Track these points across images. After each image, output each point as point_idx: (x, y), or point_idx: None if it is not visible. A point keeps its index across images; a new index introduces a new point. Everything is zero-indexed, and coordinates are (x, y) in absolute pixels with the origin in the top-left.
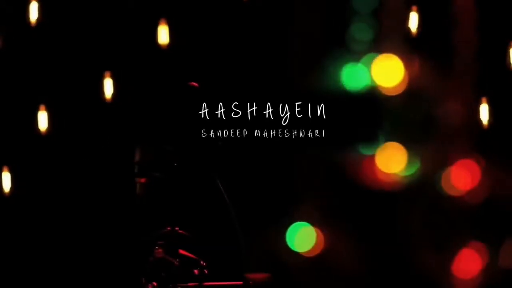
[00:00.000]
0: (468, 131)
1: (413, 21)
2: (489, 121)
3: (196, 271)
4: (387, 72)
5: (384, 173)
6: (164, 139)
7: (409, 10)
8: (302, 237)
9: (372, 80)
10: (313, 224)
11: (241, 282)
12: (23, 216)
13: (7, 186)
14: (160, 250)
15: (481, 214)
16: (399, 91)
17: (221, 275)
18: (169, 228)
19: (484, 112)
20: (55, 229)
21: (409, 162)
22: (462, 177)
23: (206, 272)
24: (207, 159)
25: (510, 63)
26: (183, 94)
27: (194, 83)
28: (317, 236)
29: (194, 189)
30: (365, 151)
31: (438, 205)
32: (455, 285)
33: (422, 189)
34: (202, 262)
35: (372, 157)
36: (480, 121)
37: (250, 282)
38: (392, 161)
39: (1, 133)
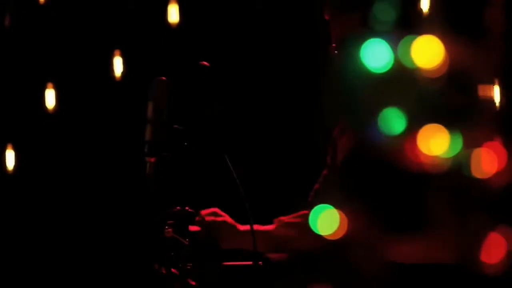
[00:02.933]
0: (496, 113)
1: (424, 1)
2: (501, 102)
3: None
4: (427, 53)
5: (424, 155)
6: (174, 118)
7: None
8: (325, 220)
9: (412, 62)
10: (336, 206)
11: (250, 262)
12: (27, 194)
13: (10, 163)
14: (170, 229)
15: (507, 198)
16: (439, 73)
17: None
18: (178, 208)
19: (496, 94)
20: (59, 208)
21: (451, 144)
22: (489, 160)
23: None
24: (216, 138)
25: None
26: (194, 73)
27: (204, 62)
28: (341, 219)
29: (204, 168)
30: (396, 132)
31: (466, 187)
32: (480, 269)
33: (450, 171)
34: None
35: (409, 138)
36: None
37: (260, 262)
38: (432, 142)
39: (8, 110)
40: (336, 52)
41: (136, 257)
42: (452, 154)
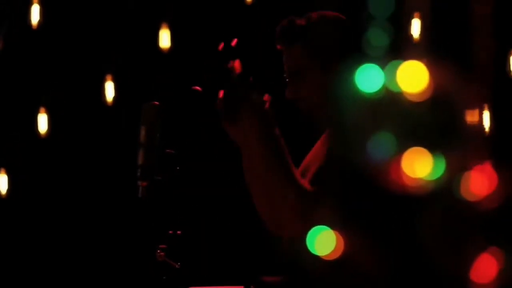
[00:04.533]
0: (484, 136)
1: (416, 27)
2: (490, 127)
3: None
4: (412, 78)
5: (408, 177)
6: (167, 142)
7: (413, 17)
8: (322, 241)
9: (398, 86)
10: (332, 227)
11: (242, 287)
12: (21, 218)
13: (3, 188)
14: (162, 253)
15: (498, 219)
16: (424, 97)
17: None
18: (171, 232)
19: (486, 119)
20: (53, 233)
21: (434, 167)
22: (479, 182)
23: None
24: (209, 160)
25: (510, 70)
26: (186, 98)
27: (197, 87)
28: (337, 240)
29: (197, 192)
30: (385, 154)
31: (456, 210)
32: None
33: (440, 193)
34: None
35: (394, 160)
36: (485, 127)
37: (252, 286)
38: (416, 165)
39: (0, 134)
40: (287, 82)
41: (128, 279)
42: (435, 176)
